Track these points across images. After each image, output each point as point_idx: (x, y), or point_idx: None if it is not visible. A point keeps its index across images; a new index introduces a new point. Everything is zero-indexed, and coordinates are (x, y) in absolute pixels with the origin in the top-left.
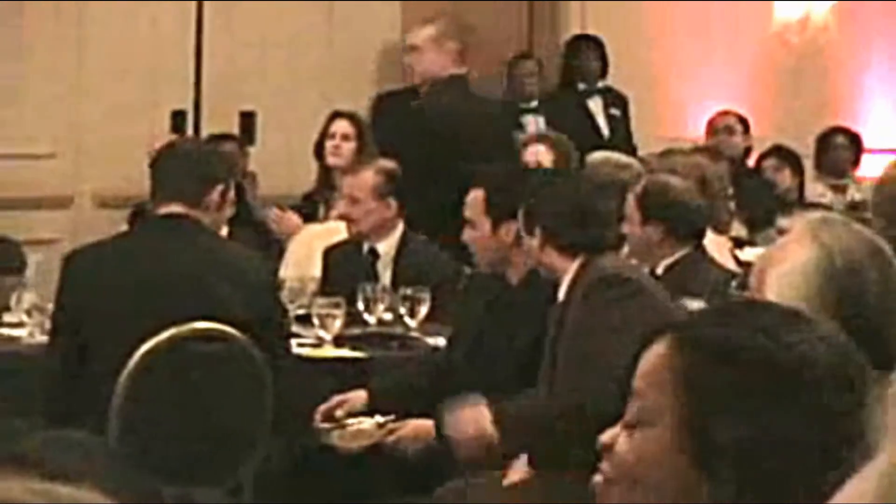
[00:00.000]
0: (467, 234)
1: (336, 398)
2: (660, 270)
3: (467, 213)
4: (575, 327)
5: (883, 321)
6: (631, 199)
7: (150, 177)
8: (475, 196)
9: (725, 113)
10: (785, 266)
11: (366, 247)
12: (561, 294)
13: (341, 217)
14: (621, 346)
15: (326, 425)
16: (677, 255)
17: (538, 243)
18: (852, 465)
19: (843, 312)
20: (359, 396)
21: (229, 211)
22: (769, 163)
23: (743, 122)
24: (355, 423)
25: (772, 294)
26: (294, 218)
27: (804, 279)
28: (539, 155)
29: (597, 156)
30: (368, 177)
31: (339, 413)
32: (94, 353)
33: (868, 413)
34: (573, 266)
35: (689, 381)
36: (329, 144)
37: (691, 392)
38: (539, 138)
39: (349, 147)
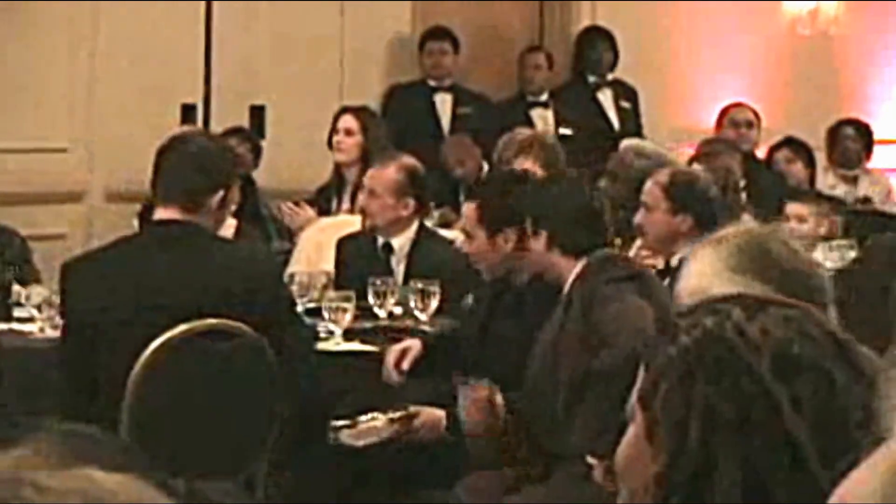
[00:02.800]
0: (466, 246)
1: (396, 347)
2: (674, 262)
3: (465, 225)
4: (581, 313)
5: (803, 278)
6: (655, 189)
7: (153, 171)
8: (469, 208)
9: (740, 105)
10: (692, 279)
11: (380, 241)
12: (564, 295)
13: (360, 209)
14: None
15: (337, 423)
16: (693, 246)
17: (543, 246)
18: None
19: (762, 274)
20: (414, 343)
21: (231, 208)
22: (781, 154)
23: (756, 115)
24: (366, 420)
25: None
26: (308, 212)
27: (714, 269)
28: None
29: (625, 143)
30: (390, 173)
31: (392, 359)
32: (99, 364)
33: (863, 397)
34: (577, 267)
35: (650, 368)
36: (334, 140)
37: (649, 375)
38: (520, 150)
39: (352, 142)
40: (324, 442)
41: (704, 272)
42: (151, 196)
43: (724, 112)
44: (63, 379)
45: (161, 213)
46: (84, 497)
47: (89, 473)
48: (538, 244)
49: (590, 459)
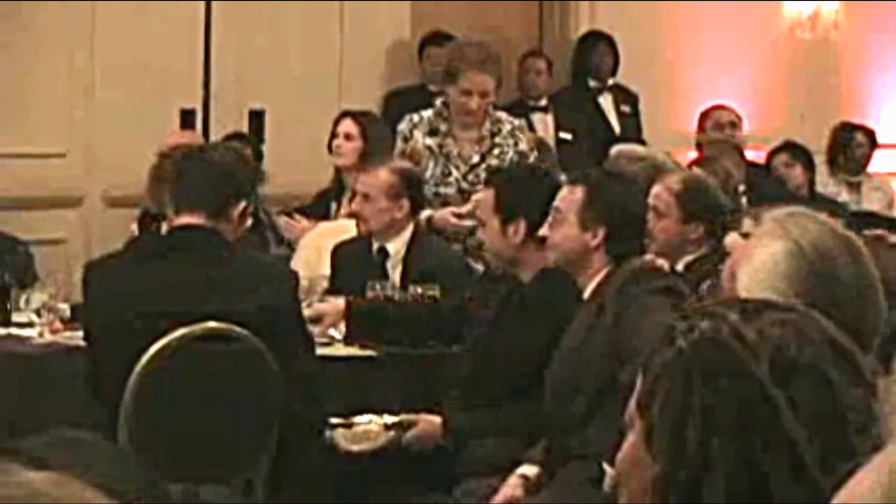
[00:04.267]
0: (479, 234)
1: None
2: (680, 267)
3: (479, 212)
4: (614, 322)
5: (857, 311)
6: (667, 196)
7: (172, 180)
8: (486, 195)
9: (721, 107)
10: (755, 261)
11: (375, 245)
12: (586, 295)
13: (352, 214)
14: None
15: (333, 420)
16: (698, 253)
17: (595, 243)
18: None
19: (815, 302)
20: (336, 305)
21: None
22: (780, 159)
23: (738, 115)
24: (362, 422)
25: (744, 290)
26: (304, 223)
27: (775, 272)
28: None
29: (616, 149)
30: (383, 176)
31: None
32: (109, 365)
33: (857, 399)
34: (603, 271)
35: (647, 372)
36: (334, 144)
37: (646, 380)
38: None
39: (351, 146)
40: (318, 456)
41: (759, 279)
42: (173, 205)
43: (705, 115)
44: (85, 381)
45: (185, 219)
46: (13, 499)
47: (25, 475)
48: (588, 239)
49: (606, 467)
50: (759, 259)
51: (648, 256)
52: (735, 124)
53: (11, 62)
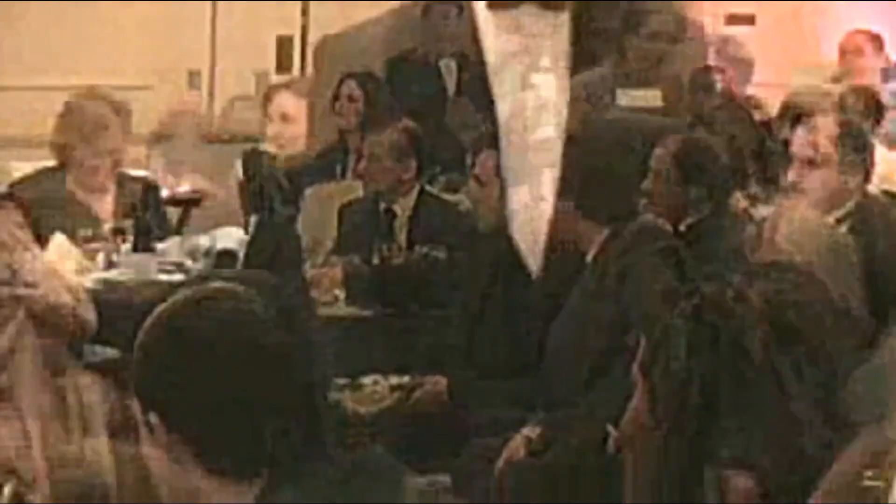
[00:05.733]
0: (475, 191)
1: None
2: (682, 228)
3: (478, 170)
4: (617, 284)
5: (889, 278)
6: (665, 157)
7: None
8: (488, 156)
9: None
10: (797, 214)
11: (382, 206)
12: (588, 259)
13: (359, 175)
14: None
15: (340, 381)
16: (700, 215)
17: (570, 210)
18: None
19: (856, 255)
20: (333, 272)
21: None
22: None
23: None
24: (368, 384)
25: (783, 240)
26: None
27: (815, 225)
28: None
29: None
30: (390, 136)
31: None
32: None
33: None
34: (603, 234)
35: (651, 335)
36: (336, 105)
37: (647, 344)
38: None
39: (354, 108)
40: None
41: (800, 231)
42: None
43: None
44: None
45: None
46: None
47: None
48: (564, 206)
49: (610, 429)
50: (802, 212)
51: (648, 216)
52: (860, 50)
53: (12, 22)
